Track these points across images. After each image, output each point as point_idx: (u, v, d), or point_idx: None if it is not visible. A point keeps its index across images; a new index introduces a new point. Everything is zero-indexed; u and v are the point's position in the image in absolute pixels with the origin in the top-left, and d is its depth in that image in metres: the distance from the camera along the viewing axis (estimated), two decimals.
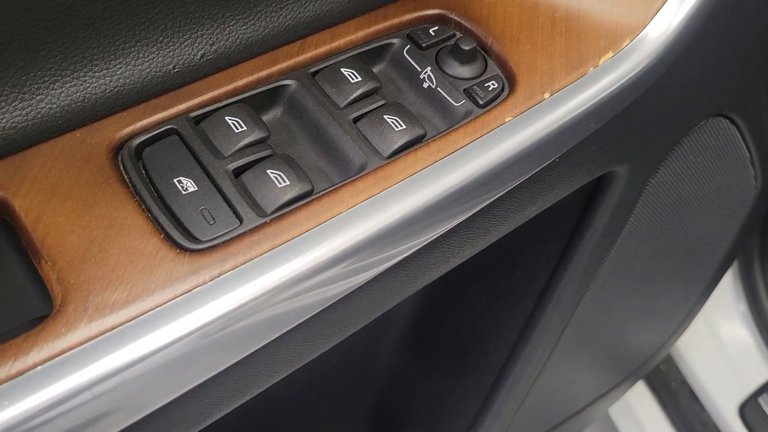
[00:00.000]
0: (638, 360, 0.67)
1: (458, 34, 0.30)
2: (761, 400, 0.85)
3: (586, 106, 0.30)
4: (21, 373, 0.20)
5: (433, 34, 0.30)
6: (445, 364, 0.55)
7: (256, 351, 0.24)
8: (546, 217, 0.37)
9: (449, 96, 0.28)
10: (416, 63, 0.29)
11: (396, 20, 0.29)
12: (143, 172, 0.24)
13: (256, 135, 0.26)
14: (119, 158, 0.24)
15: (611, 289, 0.50)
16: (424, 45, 0.29)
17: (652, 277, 0.54)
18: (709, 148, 0.43)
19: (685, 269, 0.57)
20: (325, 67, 0.28)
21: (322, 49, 0.28)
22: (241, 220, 0.24)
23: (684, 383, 0.88)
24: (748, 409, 0.85)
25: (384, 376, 0.58)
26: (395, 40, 0.29)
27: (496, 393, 0.52)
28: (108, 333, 0.21)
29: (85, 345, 0.20)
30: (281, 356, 0.26)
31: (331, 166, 0.26)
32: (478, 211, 0.29)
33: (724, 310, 0.86)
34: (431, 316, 0.52)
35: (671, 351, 0.88)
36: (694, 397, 0.87)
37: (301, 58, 0.28)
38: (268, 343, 0.24)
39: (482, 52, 0.29)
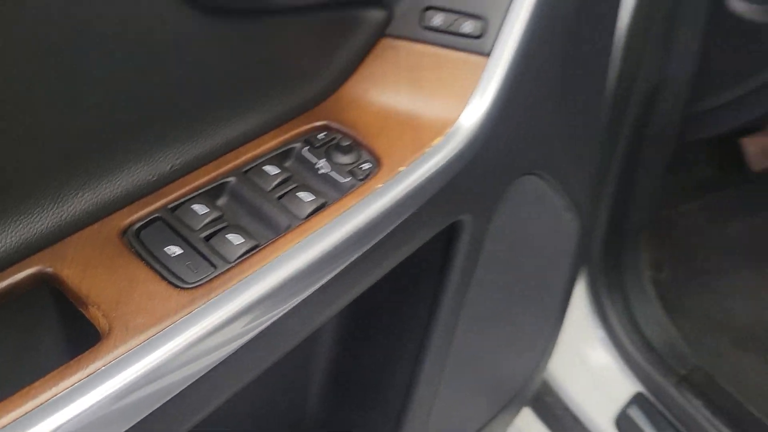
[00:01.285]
0: (517, 384, 0.81)
1: (339, 136, 0.45)
2: (629, 411, 1.02)
3: (429, 174, 0.45)
4: (94, 372, 0.31)
5: (322, 137, 0.45)
6: (357, 399, 0.67)
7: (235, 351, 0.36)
8: (419, 259, 0.51)
9: (338, 176, 0.43)
10: (313, 157, 0.43)
11: (297, 131, 0.45)
12: (144, 245, 0.37)
13: (214, 214, 0.39)
14: (127, 238, 0.37)
15: (477, 319, 0.65)
16: (317, 145, 0.44)
17: (509, 307, 0.70)
18: (527, 199, 0.60)
19: (535, 300, 0.74)
20: (253, 167, 0.42)
21: (250, 155, 0.43)
22: (215, 267, 0.37)
23: (566, 409, 1.04)
24: (621, 422, 1.01)
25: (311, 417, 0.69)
26: (297, 144, 0.44)
27: (402, 421, 0.64)
28: (144, 342, 0.32)
29: (131, 351, 0.32)
30: (248, 361, 0.38)
31: (268, 229, 0.40)
32: (364, 252, 0.43)
33: (587, 339, 1.03)
34: (346, 356, 0.64)
35: (552, 382, 1.03)
36: (576, 419, 1.03)
37: (237, 162, 0.42)
38: (243, 346, 0.36)
39: (357, 146, 0.44)
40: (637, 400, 1.00)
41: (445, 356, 0.63)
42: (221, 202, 0.41)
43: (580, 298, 1.00)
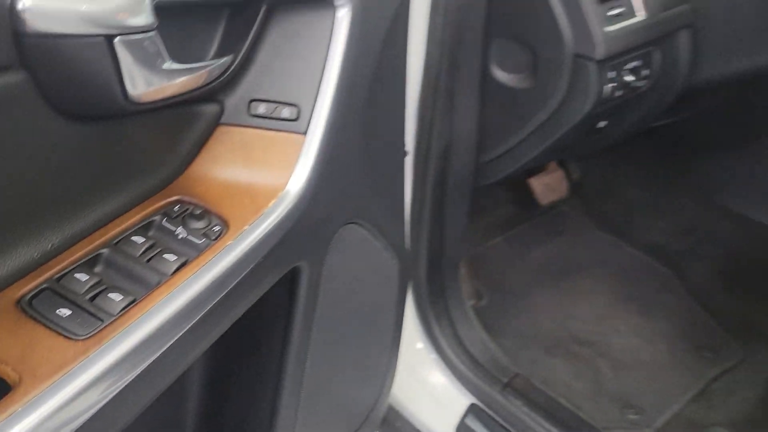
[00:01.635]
0: (365, 409, 0.93)
1: (191, 207, 0.56)
2: (467, 421, 1.17)
3: (267, 230, 0.57)
4: (11, 414, 0.38)
5: (177, 209, 0.55)
6: None
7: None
8: (269, 302, 0.62)
9: (194, 239, 0.53)
10: (172, 226, 0.54)
11: (156, 206, 0.55)
12: (37, 311, 0.44)
13: (95, 279, 0.48)
14: (21, 306, 0.44)
15: (324, 353, 0.76)
16: (174, 216, 0.55)
17: (350, 340, 0.82)
18: (351, 244, 0.73)
19: (371, 331, 0.87)
20: (122, 238, 0.51)
21: (118, 229, 0.52)
22: (102, 321, 0.45)
23: (413, 428, 1.17)
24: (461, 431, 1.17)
25: None
26: (157, 216, 0.54)
27: None
28: (51, 386, 0.40)
29: (41, 394, 0.40)
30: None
31: (142, 286, 0.49)
32: (222, 297, 0.53)
33: (422, 363, 1.18)
34: (215, 395, 0.72)
35: (397, 405, 1.17)
36: None
37: (108, 236, 0.51)
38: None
39: (207, 213, 0.55)
40: (472, 410, 1.16)
41: (299, 388, 0.73)
42: (98, 269, 0.50)
43: (413, 326, 1.15)
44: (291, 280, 0.65)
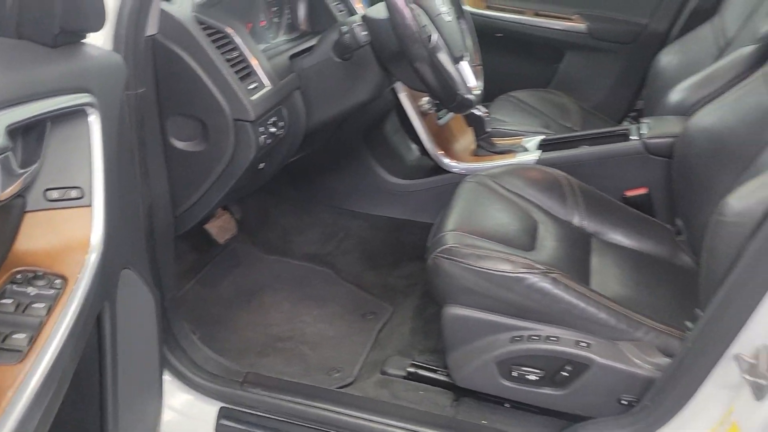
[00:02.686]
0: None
1: (30, 273, 0.74)
2: (222, 421, 1.41)
3: (88, 276, 0.78)
4: None
5: (20, 278, 0.73)
6: None
7: None
8: (90, 337, 0.82)
9: (44, 291, 0.72)
10: (23, 288, 0.72)
11: (2, 279, 0.72)
12: None
13: None
14: None
15: (122, 376, 0.96)
16: (20, 282, 0.73)
17: (135, 364, 1.02)
18: (129, 284, 0.95)
19: (144, 357, 1.08)
20: None
21: None
22: (21, 351, 0.63)
23: None
24: None
25: None
26: (8, 285, 0.72)
27: None
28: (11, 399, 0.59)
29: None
30: None
31: (30, 328, 0.67)
32: (81, 321, 0.74)
33: (173, 391, 1.39)
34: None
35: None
36: None
37: None
38: None
39: (45, 274, 0.74)
40: (223, 412, 1.41)
41: (117, 408, 0.92)
42: None
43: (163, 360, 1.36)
44: (97, 318, 0.86)
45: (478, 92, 1.56)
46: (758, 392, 0.98)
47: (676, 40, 2.37)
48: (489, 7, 2.76)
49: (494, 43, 2.78)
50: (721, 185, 1.51)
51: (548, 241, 1.51)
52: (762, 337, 1.01)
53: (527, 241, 1.47)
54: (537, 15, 2.70)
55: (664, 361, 1.20)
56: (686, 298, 1.36)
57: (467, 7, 2.70)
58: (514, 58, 2.83)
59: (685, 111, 1.88)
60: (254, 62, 1.32)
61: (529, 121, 2.31)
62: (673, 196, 1.71)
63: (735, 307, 1.00)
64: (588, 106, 2.59)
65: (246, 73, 1.30)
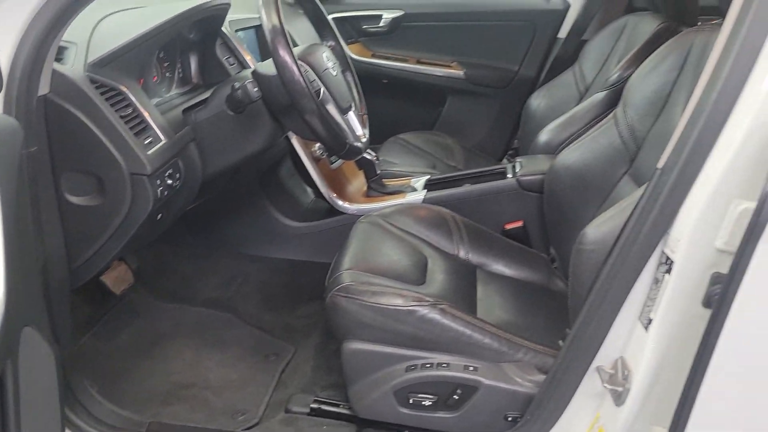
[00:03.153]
0: None
1: None
2: None
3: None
4: None
5: None
6: None
7: None
8: None
9: None
10: None
11: None
12: None
13: None
14: None
15: None
16: None
17: (37, 419, 1.03)
18: (30, 340, 0.97)
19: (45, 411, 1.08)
20: None
21: None
22: None
23: None
24: None
25: None
26: None
27: None
28: None
29: None
30: None
31: None
32: None
33: None
34: None
35: None
36: None
37: None
38: None
39: None
40: None
41: None
42: None
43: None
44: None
45: (365, 140, 1.68)
46: (617, 399, 1.12)
47: (544, 85, 2.60)
48: (374, 56, 2.91)
49: (382, 88, 2.94)
50: (584, 217, 1.70)
51: (437, 274, 1.62)
52: (618, 350, 1.16)
53: (418, 276, 1.57)
54: (419, 62, 2.89)
55: (541, 378, 1.33)
56: (560, 320, 1.51)
57: (354, 55, 2.88)
58: (401, 103, 2.99)
59: (553, 150, 2.09)
60: (148, 117, 1.36)
61: (416, 162, 2.46)
62: (545, 228, 1.88)
63: (594, 326, 1.15)
64: (470, 146, 2.78)
65: (141, 128, 1.34)
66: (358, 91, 1.79)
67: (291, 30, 2.14)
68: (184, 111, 1.53)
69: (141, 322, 1.95)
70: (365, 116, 1.77)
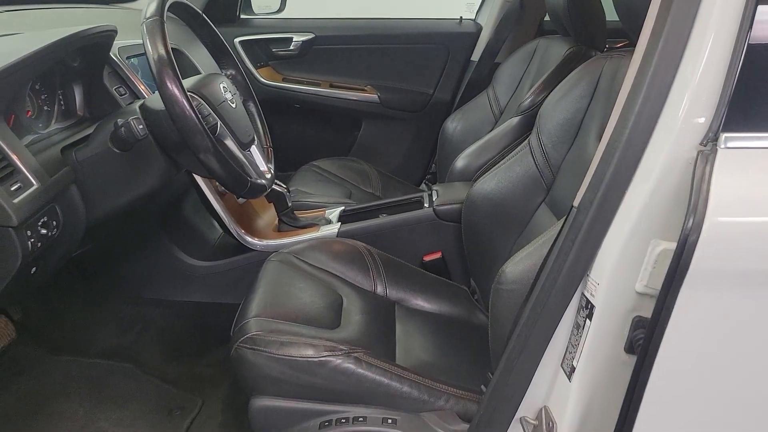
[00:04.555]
0: None
1: None
2: None
3: None
4: None
5: None
6: None
7: None
8: None
9: None
10: None
11: None
12: None
13: None
14: None
15: None
16: None
17: None
18: None
19: None
20: None
21: None
22: None
23: None
24: None
25: None
26: None
27: None
28: None
29: None
30: None
31: None
32: None
33: None
34: None
35: None
36: None
37: None
38: None
39: None
40: None
41: None
42: None
43: None
44: None
45: (269, 176, 1.56)
46: None
47: (459, 108, 2.57)
48: (285, 80, 2.80)
49: (294, 113, 2.84)
50: (503, 247, 1.64)
51: (353, 315, 1.53)
52: (542, 399, 1.09)
53: (332, 318, 1.47)
54: (332, 86, 2.80)
55: (464, 427, 1.25)
56: (483, 357, 1.43)
57: (264, 80, 2.76)
58: (315, 128, 2.90)
59: (470, 176, 2.04)
60: (17, 160, 1.20)
61: (331, 191, 2.36)
62: (465, 258, 1.82)
63: (515, 374, 1.07)
64: (387, 171, 2.70)
65: (7, 173, 1.18)
66: (262, 123, 1.68)
67: (194, 56, 2.00)
68: (64, 149, 1.37)
69: (26, 380, 1.75)
70: (270, 149, 1.65)
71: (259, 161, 1.49)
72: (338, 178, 2.50)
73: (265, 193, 1.49)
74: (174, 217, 1.93)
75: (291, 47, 2.75)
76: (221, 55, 1.63)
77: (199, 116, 1.25)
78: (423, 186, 2.84)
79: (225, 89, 1.46)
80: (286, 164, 2.90)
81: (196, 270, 1.94)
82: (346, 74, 2.79)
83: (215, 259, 1.95)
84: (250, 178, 1.38)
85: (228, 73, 1.63)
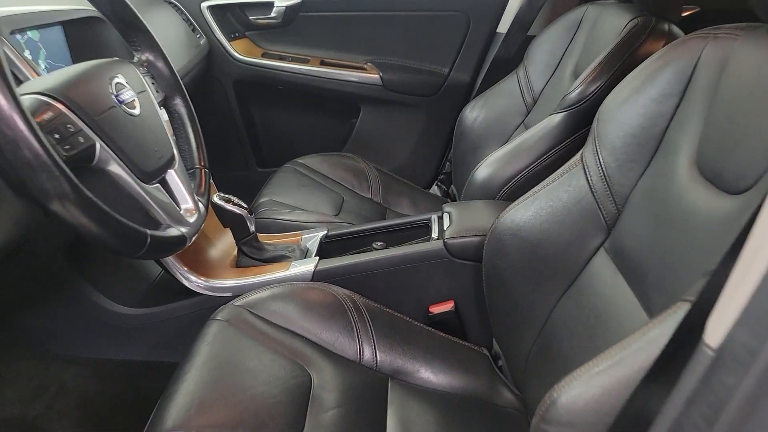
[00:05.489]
0: None
1: None
2: None
3: None
4: None
5: None
6: None
7: None
8: None
9: None
10: None
11: None
12: None
13: None
14: None
15: None
16: None
17: None
18: None
19: None
20: None
21: None
22: None
23: None
24: None
25: None
26: None
27: None
28: None
29: None
30: None
31: None
32: None
33: None
34: None
35: None
36: None
37: None
38: None
39: None
40: None
41: None
42: None
43: None
44: None
45: (197, 215, 1.05)
46: None
47: (481, 93, 2.06)
48: (265, 55, 2.30)
49: (277, 98, 2.35)
50: (540, 305, 1.17)
51: (326, 403, 1.10)
52: None
53: (294, 416, 1.04)
54: (323, 64, 2.29)
55: None
56: None
57: (239, 55, 2.25)
58: (302, 116, 2.43)
59: (494, 193, 1.54)
60: None
61: (317, 199, 1.86)
62: (485, 311, 1.33)
63: None
64: (390, 170, 2.22)
65: None
66: (195, 132, 1.15)
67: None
68: None
69: None
70: (204, 170, 1.14)
71: (181, 195, 0.98)
72: (328, 180, 2.01)
73: (182, 249, 0.98)
74: (90, 251, 1.43)
75: (273, 14, 2.28)
76: (129, 29, 1.09)
77: (46, 139, 0.74)
78: (434, 189, 2.33)
79: (120, 87, 0.94)
80: (265, 161, 2.41)
81: (124, 319, 1.46)
82: (340, 48, 2.30)
83: (150, 306, 1.46)
84: (151, 230, 0.86)
85: (142, 57, 1.10)
